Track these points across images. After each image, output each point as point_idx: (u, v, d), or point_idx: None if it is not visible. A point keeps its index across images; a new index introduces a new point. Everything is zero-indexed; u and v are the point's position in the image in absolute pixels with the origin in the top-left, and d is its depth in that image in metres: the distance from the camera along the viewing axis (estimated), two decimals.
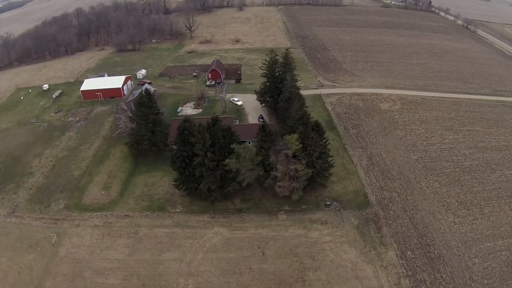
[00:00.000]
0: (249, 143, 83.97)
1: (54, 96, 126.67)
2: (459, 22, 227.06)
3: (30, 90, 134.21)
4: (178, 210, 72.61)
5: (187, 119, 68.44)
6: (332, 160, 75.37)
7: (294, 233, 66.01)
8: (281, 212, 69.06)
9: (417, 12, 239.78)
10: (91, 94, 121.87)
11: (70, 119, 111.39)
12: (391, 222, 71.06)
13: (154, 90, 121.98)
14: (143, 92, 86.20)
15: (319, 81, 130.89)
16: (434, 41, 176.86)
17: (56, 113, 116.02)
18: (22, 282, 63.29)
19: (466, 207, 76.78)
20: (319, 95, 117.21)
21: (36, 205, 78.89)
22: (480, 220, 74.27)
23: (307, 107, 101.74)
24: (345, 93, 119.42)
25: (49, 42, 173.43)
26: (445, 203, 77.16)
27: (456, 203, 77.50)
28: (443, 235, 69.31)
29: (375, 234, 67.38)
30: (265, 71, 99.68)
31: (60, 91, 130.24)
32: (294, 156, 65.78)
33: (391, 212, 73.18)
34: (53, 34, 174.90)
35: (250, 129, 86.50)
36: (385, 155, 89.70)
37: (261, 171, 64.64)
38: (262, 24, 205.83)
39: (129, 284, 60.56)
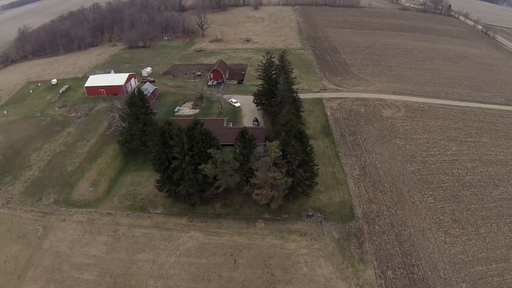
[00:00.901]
0: (238, 147, 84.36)
1: (60, 91, 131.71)
2: (479, 27, 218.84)
3: (39, 84, 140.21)
4: (158, 211, 73.81)
5: (168, 121, 69.52)
6: (317, 168, 74.07)
7: (270, 242, 65.04)
8: (260, 220, 68.50)
9: (435, 16, 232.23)
10: (95, 90, 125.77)
11: (72, 114, 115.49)
12: (375, 237, 68.66)
13: (156, 88, 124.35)
14: (135, 92, 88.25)
15: (323, 84, 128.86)
16: (450, 46, 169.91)
17: (60, 108, 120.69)
18: (7, 270, 66.43)
19: (461, 226, 73.19)
20: (320, 99, 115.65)
21: (28, 198, 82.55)
22: (474, 240, 70.36)
23: (302, 111, 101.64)
24: (348, 97, 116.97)
25: (63, 36, 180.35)
26: (437, 220, 73.89)
27: (450, 221, 74.05)
28: (430, 255, 66.25)
29: (356, 250, 65.17)
30: (261, 73, 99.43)
31: (67, 86, 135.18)
32: (276, 164, 65.40)
33: (377, 227, 70.63)
34: (67, 29, 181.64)
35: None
36: (380, 165, 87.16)
37: (238, 178, 64.60)
38: (275, 24, 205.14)
39: (102, 281, 62.17)
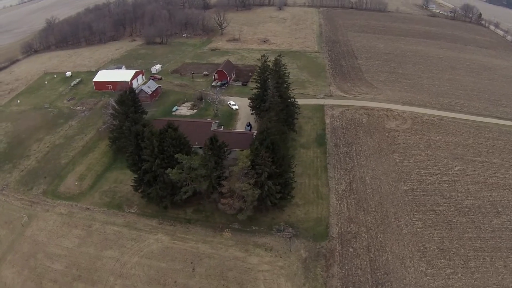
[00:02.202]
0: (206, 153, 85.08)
1: (72, 84, 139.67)
2: (508, 37, 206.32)
3: (55, 76, 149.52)
4: (132, 211, 76.19)
5: (145, 122, 71.93)
6: (293, 181, 72.95)
7: (233, 254, 64.44)
8: (227, 229, 68.62)
9: (464, 24, 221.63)
10: (102, 85, 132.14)
11: (78, 108, 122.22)
12: (346, 261, 65.35)
13: (159, 86, 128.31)
14: (126, 90, 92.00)
15: (330, 90, 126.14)
16: (475, 56, 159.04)
17: (69, 100, 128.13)
18: None
19: (448, 257, 67.76)
20: (322, 106, 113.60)
21: (21, 187, 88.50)
22: (460, 275, 64.52)
23: (297, 118, 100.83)
24: (353, 105, 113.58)
25: (85, 29, 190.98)
26: (422, 248, 69.05)
27: (436, 250, 69.08)
28: (405, 287, 62.29)
29: (321, 273, 62.46)
30: (256, 77, 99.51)
31: (79, 79, 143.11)
32: (246, 174, 65.48)
33: (351, 250, 67.26)
34: (89, 22, 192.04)
35: (228, 137, 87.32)
36: (370, 181, 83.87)
37: (205, 185, 65.47)
38: (297, 26, 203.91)
39: (69, 272, 65.34)
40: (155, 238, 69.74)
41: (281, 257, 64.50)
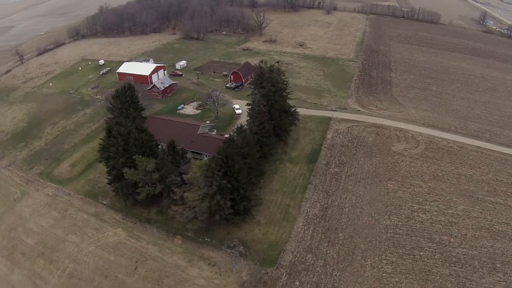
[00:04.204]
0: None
1: (101, 72, 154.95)
2: None
3: (89, 63, 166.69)
4: (104, 202, 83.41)
5: (118, 121, 78.65)
6: (257, 198, 73.97)
7: (176, 262, 67.29)
8: (178, 236, 72.16)
9: None
10: (125, 76, 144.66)
11: (97, 96, 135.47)
12: None
13: (174, 83, 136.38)
14: (125, 85, 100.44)
15: (347, 102, 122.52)
16: None
17: (92, 88, 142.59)
18: None
19: None
20: (330, 119, 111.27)
21: (25, 165, 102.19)
22: None
23: (290, 130, 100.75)
24: (364, 121, 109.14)
25: (128, 19, 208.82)
26: None
27: None
28: None
29: None
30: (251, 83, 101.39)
31: (109, 68, 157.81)
32: (198, 184, 68.06)
33: (297, 283, 65.02)
34: (133, 13, 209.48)
35: (211, 142, 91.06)
36: (349, 209, 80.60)
37: (159, 189, 69.87)
38: (340, 31, 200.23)
39: (36, 248, 74.94)
40: (114, 231, 76.17)
41: (220, 275, 65.72)
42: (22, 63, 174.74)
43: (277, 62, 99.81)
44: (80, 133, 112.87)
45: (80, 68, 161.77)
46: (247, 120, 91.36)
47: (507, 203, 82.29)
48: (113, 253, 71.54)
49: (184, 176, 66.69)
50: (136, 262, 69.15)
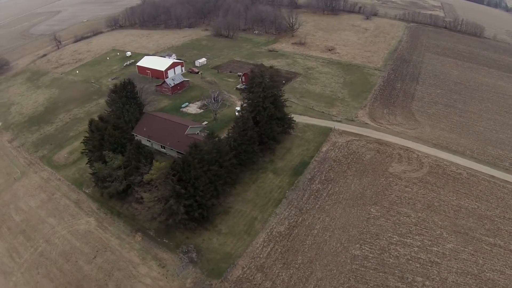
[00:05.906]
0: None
1: (125, 64, 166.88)
2: None
3: (117, 54, 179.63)
4: (87, 191, 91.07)
5: (100, 116, 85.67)
6: (217, 206, 76.63)
7: (131, 258, 71.83)
8: (139, 233, 77.36)
9: None
10: (143, 70, 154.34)
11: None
12: None
13: (186, 80, 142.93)
14: (125, 80, 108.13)
15: (356, 114, 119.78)
16: None
17: (112, 79, 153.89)
18: None
19: None
20: (330, 130, 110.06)
21: (32, 148, 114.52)
22: None
23: (283, 138, 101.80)
24: (368, 136, 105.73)
25: (164, 13, 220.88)
26: None
27: None
28: None
29: None
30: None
31: (133, 61, 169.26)
32: (156, 186, 72.34)
33: None
34: (168, 7, 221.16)
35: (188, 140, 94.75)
36: (318, 231, 78.84)
37: (123, 186, 75.45)
38: (375, 38, 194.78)
39: (19, 226, 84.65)
40: (87, 220, 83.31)
41: (166, 278, 68.85)
42: (58, 48, 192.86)
43: (271, 67, 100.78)
44: (86, 122, 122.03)
45: (108, 58, 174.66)
46: (232, 125, 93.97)
47: (508, 247, 74.60)
48: (80, 239, 78.48)
49: (146, 176, 71.45)
50: (97, 251, 75.24)
